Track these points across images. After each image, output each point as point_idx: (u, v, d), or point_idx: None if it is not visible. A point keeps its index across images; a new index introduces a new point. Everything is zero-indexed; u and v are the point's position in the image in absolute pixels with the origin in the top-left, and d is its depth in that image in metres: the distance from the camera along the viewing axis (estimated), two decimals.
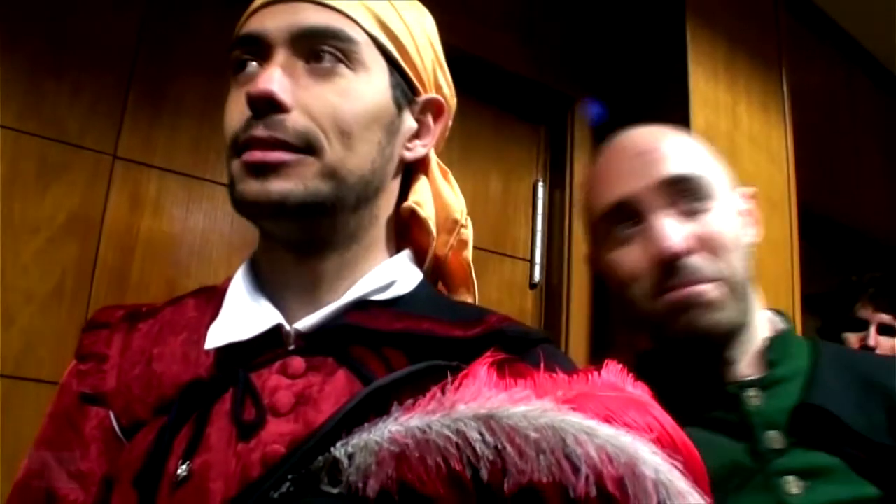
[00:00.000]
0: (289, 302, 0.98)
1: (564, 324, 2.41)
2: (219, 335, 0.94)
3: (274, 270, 1.01)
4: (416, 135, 1.07)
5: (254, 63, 0.97)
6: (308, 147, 0.92)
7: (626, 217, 1.22)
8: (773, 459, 1.12)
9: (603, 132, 2.61)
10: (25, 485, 0.97)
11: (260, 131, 0.92)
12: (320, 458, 0.73)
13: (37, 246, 1.67)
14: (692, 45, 2.46)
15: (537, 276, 2.48)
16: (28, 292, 1.65)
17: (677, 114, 2.39)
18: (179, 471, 0.85)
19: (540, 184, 2.54)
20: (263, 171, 0.91)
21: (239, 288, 1.01)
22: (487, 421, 0.71)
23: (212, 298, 1.04)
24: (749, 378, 1.20)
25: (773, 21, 2.82)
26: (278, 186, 0.91)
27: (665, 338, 1.21)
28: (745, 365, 1.21)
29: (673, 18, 2.51)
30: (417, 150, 1.07)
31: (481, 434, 0.71)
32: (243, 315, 0.96)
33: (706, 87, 2.47)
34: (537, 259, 2.49)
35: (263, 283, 1.01)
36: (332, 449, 0.73)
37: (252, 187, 0.91)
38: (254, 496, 0.74)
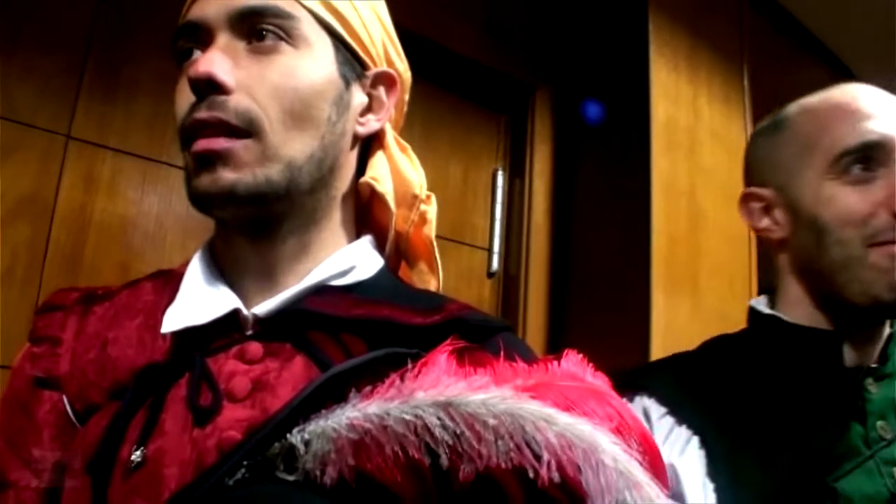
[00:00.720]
0: (247, 287, 0.97)
1: (522, 313, 2.41)
2: (175, 319, 0.93)
3: (231, 255, 1.00)
4: (368, 109, 1.06)
5: (197, 51, 0.97)
6: (251, 128, 0.91)
7: (867, 159, 1.21)
8: (882, 448, 1.14)
9: (564, 123, 2.61)
10: None
11: (202, 113, 0.91)
12: (276, 444, 0.72)
13: None
14: (654, 36, 2.46)
15: (495, 264, 2.47)
16: None
17: (638, 105, 2.39)
18: (133, 456, 0.83)
19: (500, 172, 2.54)
20: (211, 161, 0.90)
21: (196, 272, 0.99)
22: (446, 408, 0.71)
23: (169, 282, 1.02)
24: (870, 366, 1.24)
25: (737, 15, 2.83)
26: (227, 175, 0.90)
27: (840, 297, 1.22)
28: (870, 352, 1.25)
29: (635, 9, 2.51)
30: (370, 124, 1.06)
31: (440, 420, 0.70)
32: (200, 299, 0.95)
33: (667, 78, 2.47)
34: (496, 248, 2.48)
35: (221, 268, 1.00)
36: (288, 436, 0.72)
37: (203, 181, 0.91)
38: (208, 482, 0.72)
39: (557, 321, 2.45)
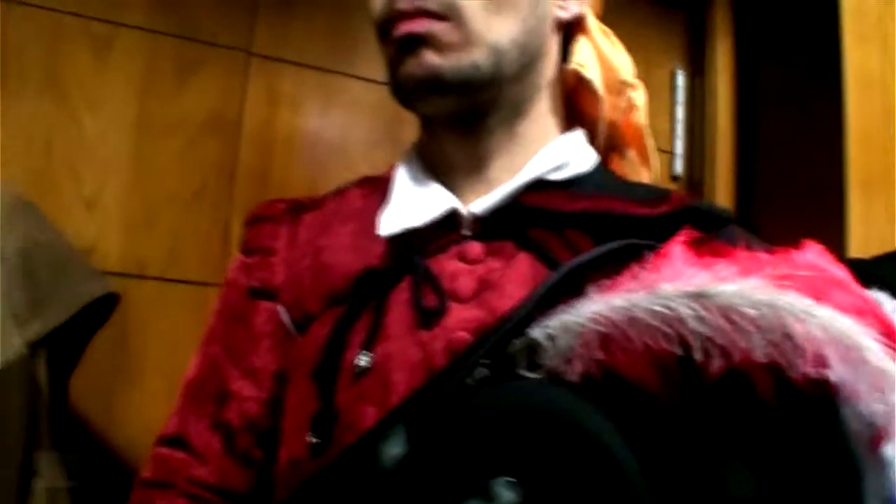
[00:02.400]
0: (458, 185, 0.94)
1: None
2: (392, 222, 0.91)
3: (439, 154, 0.97)
4: None
5: None
6: (451, 13, 0.87)
7: None
8: None
9: (745, 16, 2.49)
10: (197, 382, 0.97)
11: (402, 3, 0.88)
12: (516, 342, 0.69)
13: (177, 147, 1.66)
14: None
15: (679, 168, 2.39)
16: (170, 194, 1.64)
17: None
18: (360, 361, 0.82)
19: (679, 72, 2.44)
20: (415, 44, 0.87)
21: (406, 174, 0.97)
22: (699, 299, 0.66)
23: (377, 187, 1.00)
24: None
25: None
26: (432, 58, 0.87)
27: None
28: None
29: None
30: (571, 7, 1.00)
31: (693, 311, 0.65)
32: (415, 201, 0.92)
33: None
34: (678, 150, 2.39)
35: (430, 168, 0.97)
36: (529, 332, 0.69)
37: (407, 66, 0.88)
38: (445, 384, 0.70)
39: (745, 226, 2.36)
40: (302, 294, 0.93)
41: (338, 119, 1.82)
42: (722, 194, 2.34)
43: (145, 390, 1.56)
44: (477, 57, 0.87)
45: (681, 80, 2.43)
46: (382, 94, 1.80)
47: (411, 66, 0.88)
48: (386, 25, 0.90)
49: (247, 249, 1.01)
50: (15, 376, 1.06)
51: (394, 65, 0.91)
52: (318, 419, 0.83)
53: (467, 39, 0.87)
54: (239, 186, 1.70)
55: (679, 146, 2.39)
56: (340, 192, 1.04)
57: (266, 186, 1.72)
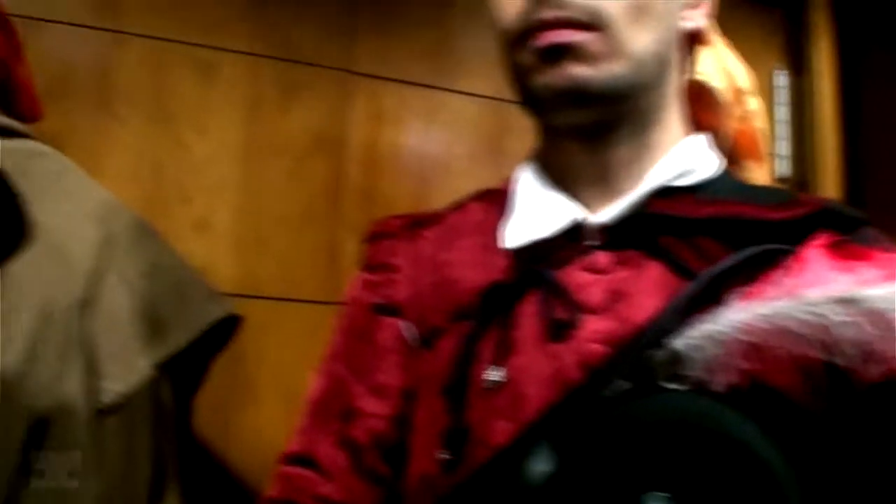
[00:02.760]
0: (582, 195, 0.93)
1: None
2: (517, 234, 0.90)
3: (563, 164, 0.95)
4: (690, 4, 0.98)
5: None
6: (598, 22, 0.85)
7: None
8: None
9: (846, 13, 2.44)
10: (322, 401, 0.97)
11: (545, 13, 0.85)
12: (657, 353, 0.68)
13: (284, 167, 1.68)
14: None
15: (784, 169, 2.34)
16: (279, 214, 1.66)
17: None
18: (491, 376, 0.81)
19: (780, 71, 2.39)
20: (559, 54, 0.85)
21: (528, 185, 0.96)
22: (846, 304, 0.64)
23: (496, 200, 0.99)
24: None
25: None
26: (578, 70, 0.85)
27: None
28: None
29: None
30: (696, 19, 0.98)
31: (842, 317, 0.63)
32: (540, 212, 0.91)
33: None
34: (782, 152, 2.35)
35: (552, 178, 0.96)
36: (669, 343, 0.68)
37: (548, 76, 0.86)
38: (584, 397, 0.69)
39: None
40: (426, 309, 0.93)
41: (440, 134, 1.83)
42: (830, 195, 2.29)
43: (261, 410, 1.58)
44: (621, 68, 0.86)
45: (782, 79, 2.38)
46: (483, 108, 1.83)
47: (552, 77, 0.86)
48: (523, 35, 0.88)
49: (368, 266, 1.01)
50: (142, 401, 1.07)
51: (529, 74, 0.89)
52: (450, 435, 0.82)
53: (613, 50, 0.86)
54: (346, 204, 1.72)
55: (783, 147, 2.34)
56: (460, 206, 1.04)
57: (372, 203, 1.73)
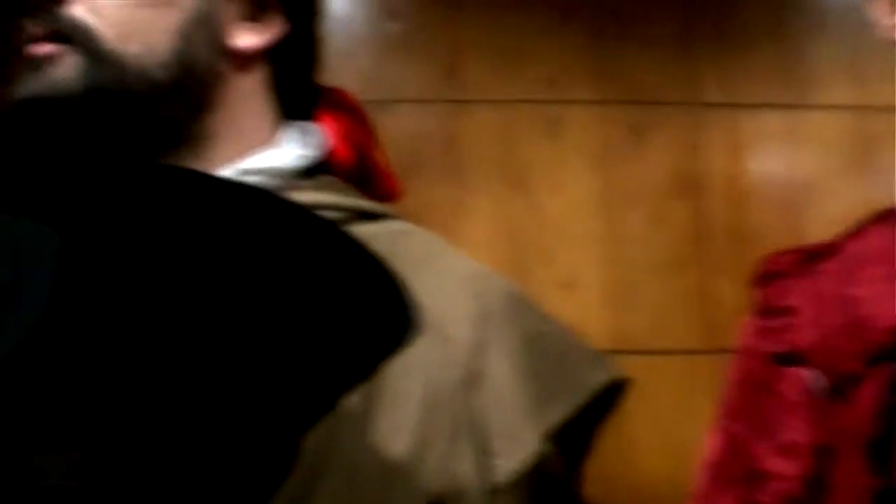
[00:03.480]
0: None
1: None
2: None
3: None
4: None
5: None
6: None
7: None
8: None
9: None
10: (721, 463, 0.91)
11: None
12: None
13: (643, 213, 1.65)
14: None
15: None
16: (644, 262, 1.63)
17: None
18: None
19: None
20: None
21: None
22: None
23: None
24: None
25: None
26: None
27: None
28: None
29: None
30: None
31: None
32: None
33: None
34: None
35: None
36: None
37: None
38: None
39: None
40: (836, 354, 0.85)
41: (803, 156, 1.73)
42: None
43: (642, 470, 1.55)
44: None
45: None
46: (846, 120, 1.69)
47: None
48: None
49: (761, 310, 0.94)
50: (534, 475, 1.05)
51: None
52: (879, 497, 0.76)
53: None
54: (712, 245, 1.66)
55: None
56: (857, 232, 0.94)
57: (741, 241, 1.65)
